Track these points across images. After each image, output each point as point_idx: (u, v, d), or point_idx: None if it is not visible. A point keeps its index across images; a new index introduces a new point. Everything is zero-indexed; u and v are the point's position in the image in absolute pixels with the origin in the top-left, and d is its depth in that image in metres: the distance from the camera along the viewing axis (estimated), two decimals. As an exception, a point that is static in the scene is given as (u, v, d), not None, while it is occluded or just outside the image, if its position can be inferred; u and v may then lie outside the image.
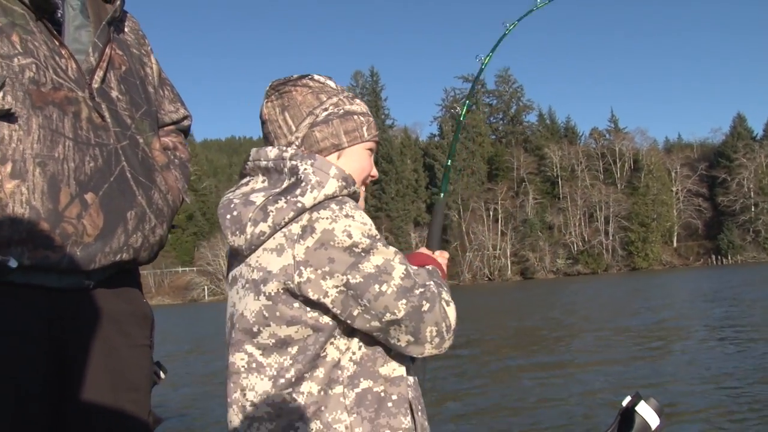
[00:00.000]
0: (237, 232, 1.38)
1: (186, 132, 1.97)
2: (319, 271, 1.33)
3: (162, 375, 2.00)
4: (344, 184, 1.39)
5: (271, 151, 1.45)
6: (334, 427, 1.35)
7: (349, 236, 1.33)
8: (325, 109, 1.47)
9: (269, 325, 1.37)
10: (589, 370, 9.99)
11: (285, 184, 1.39)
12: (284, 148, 1.44)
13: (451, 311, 1.41)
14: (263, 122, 1.51)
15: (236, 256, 1.46)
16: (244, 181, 1.50)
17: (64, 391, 1.51)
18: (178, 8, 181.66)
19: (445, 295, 1.43)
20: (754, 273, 40.76)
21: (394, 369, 1.42)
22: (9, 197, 1.41)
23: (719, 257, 74.27)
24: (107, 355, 1.57)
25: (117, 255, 1.55)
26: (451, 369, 10.68)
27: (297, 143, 1.46)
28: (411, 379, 1.47)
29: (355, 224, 1.35)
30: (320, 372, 1.37)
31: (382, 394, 1.40)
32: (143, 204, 1.62)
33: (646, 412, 1.47)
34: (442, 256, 1.71)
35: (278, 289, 1.35)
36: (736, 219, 75.20)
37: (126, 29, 1.80)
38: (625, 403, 1.50)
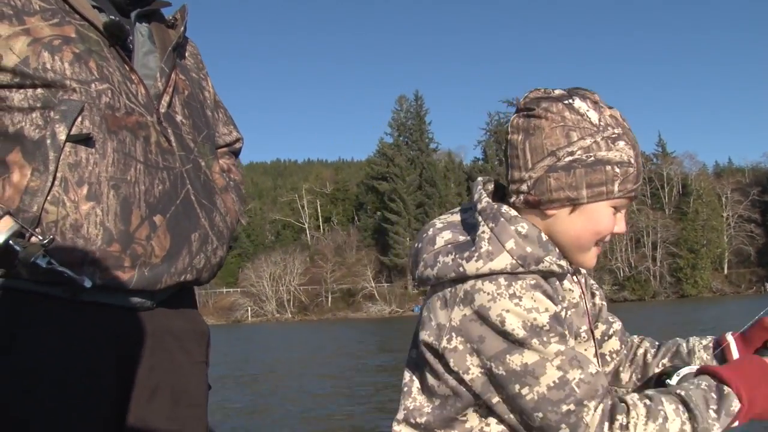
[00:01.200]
0: (413, 265, 1.34)
1: (237, 154, 2.02)
2: (469, 345, 1.22)
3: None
4: (520, 263, 1.21)
5: (476, 191, 1.33)
6: None
7: (503, 322, 1.18)
8: (571, 153, 1.23)
9: (424, 366, 1.32)
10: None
11: (465, 238, 1.29)
12: (483, 194, 1.32)
13: None
14: (506, 140, 1.32)
15: None
16: (462, 207, 1.40)
17: (129, 405, 1.55)
18: (221, 34, 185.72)
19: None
20: (810, 302, 39.19)
21: None
22: (84, 218, 1.46)
23: (773, 285, 71.93)
24: (171, 372, 1.61)
25: (182, 276, 1.59)
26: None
27: (529, 183, 1.26)
28: None
29: (516, 309, 1.18)
30: None
31: None
32: (206, 226, 1.66)
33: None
34: None
35: (429, 340, 1.27)
36: (790, 246, 72.82)
37: (187, 54, 1.87)
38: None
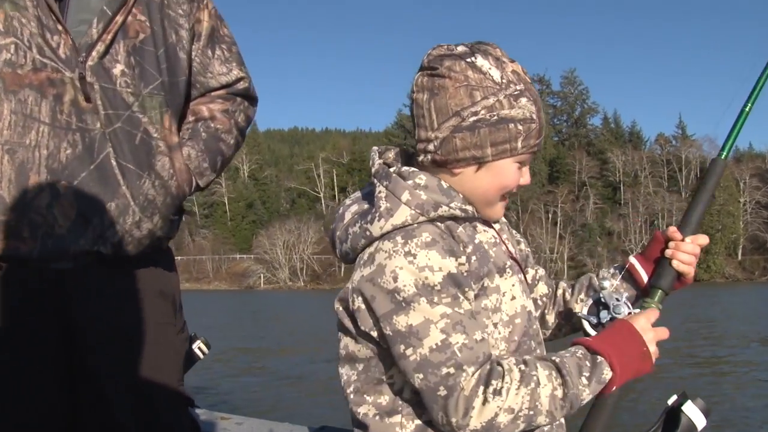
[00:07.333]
0: (333, 246, 1.37)
1: (244, 95, 1.79)
2: (365, 305, 1.24)
3: (205, 350, 1.99)
4: (419, 211, 1.24)
5: (373, 161, 1.34)
6: None
7: (394, 279, 1.19)
8: (475, 114, 1.24)
9: (343, 337, 1.35)
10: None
11: (369, 205, 1.31)
12: (376, 158, 1.34)
13: (480, 415, 1.15)
14: (412, 99, 1.31)
15: None
16: (368, 183, 1.39)
17: (77, 356, 1.51)
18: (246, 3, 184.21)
19: (493, 399, 1.15)
20: (823, 291, 39.00)
21: None
22: None
23: (787, 273, 71.31)
24: (116, 332, 1.54)
25: (94, 246, 1.48)
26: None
27: (435, 144, 1.27)
28: None
29: (409, 267, 1.19)
30: (383, 398, 1.30)
31: None
32: (127, 195, 1.50)
33: (692, 412, 1.42)
34: (656, 332, 1.33)
35: (342, 306, 1.32)
36: (806, 234, 72.01)
37: None
38: (670, 402, 1.45)
